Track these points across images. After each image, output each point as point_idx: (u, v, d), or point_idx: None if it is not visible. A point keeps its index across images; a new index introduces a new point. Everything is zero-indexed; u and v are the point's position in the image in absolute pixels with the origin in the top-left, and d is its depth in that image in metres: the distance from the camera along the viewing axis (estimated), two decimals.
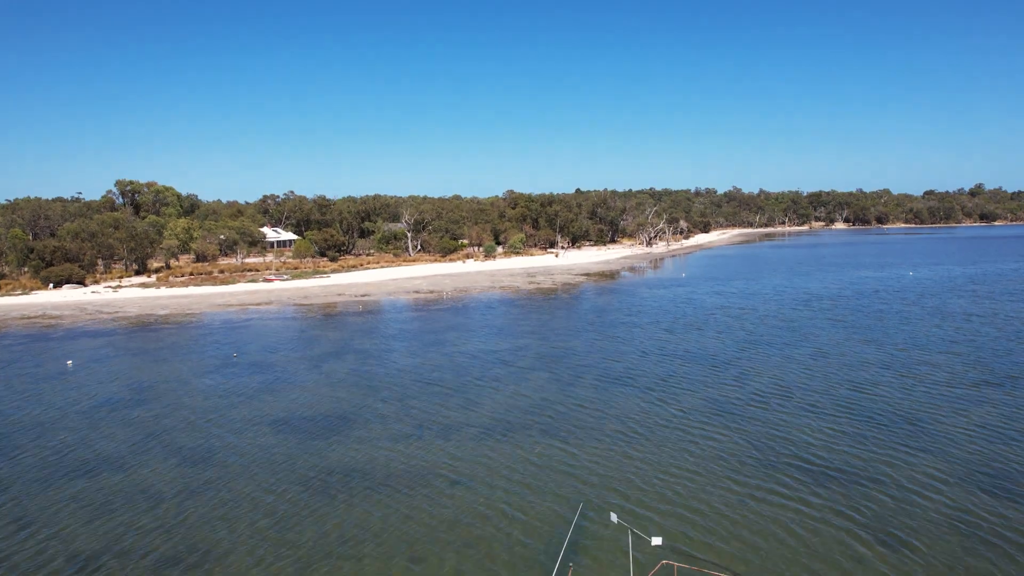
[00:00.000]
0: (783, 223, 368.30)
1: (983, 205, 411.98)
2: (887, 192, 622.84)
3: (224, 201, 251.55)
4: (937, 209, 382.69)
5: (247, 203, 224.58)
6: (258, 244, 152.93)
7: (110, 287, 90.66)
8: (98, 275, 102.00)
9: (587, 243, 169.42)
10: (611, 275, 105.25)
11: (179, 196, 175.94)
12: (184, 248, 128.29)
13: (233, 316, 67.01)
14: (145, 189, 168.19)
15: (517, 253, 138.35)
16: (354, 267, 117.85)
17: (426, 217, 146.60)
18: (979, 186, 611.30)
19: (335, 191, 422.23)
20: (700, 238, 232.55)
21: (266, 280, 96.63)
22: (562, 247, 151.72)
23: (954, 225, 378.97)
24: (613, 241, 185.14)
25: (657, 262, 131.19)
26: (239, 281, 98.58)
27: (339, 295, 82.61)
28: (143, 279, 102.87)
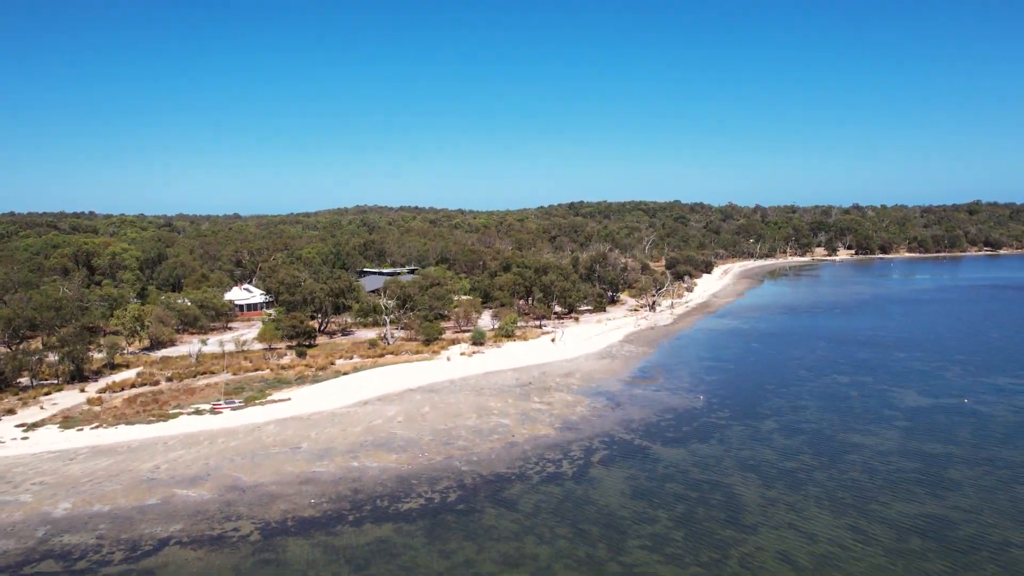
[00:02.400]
0: (784, 252, 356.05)
1: (987, 232, 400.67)
2: (885, 210, 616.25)
3: (203, 218, 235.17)
4: (941, 237, 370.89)
5: (216, 269, 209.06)
6: (223, 316, 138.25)
7: (21, 427, 75.84)
8: (18, 393, 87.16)
9: (585, 308, 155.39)
10: (615, 397, 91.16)
11: (138, 258, 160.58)
12: (135, 333, 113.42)
13: (140, 534, 52.54)
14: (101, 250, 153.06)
15: (509, 337, 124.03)
16: (322, 368, 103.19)
17: (409, 292, 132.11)
18: (977, 203, 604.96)
19: (322, 203, 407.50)
20: (704, 285, 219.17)
21: (215, 410, 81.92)
22: (557, 327, 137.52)
23: (959, 254, 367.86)
24: (613, 302, 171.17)
25: (660, 342, 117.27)
26: (186, 406, 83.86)
27: (287, 474, 68.15)
28: (74, 397, 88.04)
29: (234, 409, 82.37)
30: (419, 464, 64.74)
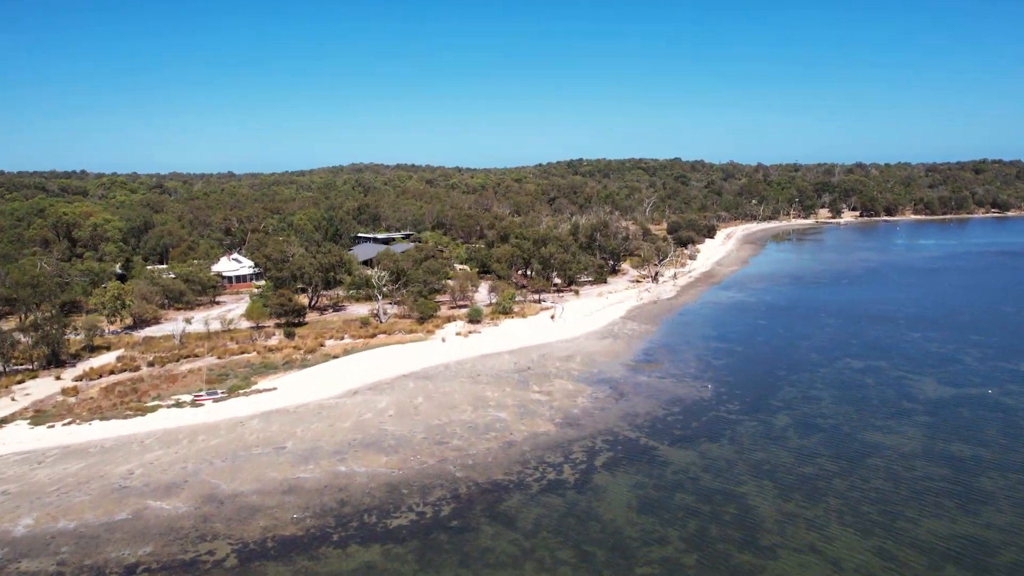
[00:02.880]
0: (787, 214, 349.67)
1: (995, 193, 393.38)
2: (889, 168, 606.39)
3: (192, 173, 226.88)
4: (948, 199, 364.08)
5: (205, 236, 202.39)
6: (211, 289, 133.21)
7: None
8: None
9: (585, 279, 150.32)
10: (618, 385, 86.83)
11: (120, 229, 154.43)
12: (116, 312, 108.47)
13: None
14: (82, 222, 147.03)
15: (507, 313, 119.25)
16: (311, 350, 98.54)
17: (403, 265, 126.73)
18: (983, 161, 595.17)
19: (318, 160, 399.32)
20: (707, 252, 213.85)
21: (196, 402, 77.50)
22: (556, 301, 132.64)
23: (965, 216, 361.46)
24: (614, 272, 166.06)
25: (664, 319, 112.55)
26: (166, 397, 79.44)
27: (269, 480, 63.99)
28: (48, 386, 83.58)
29: (216, 400, 77.97)
30: (411, 469, 60.53)
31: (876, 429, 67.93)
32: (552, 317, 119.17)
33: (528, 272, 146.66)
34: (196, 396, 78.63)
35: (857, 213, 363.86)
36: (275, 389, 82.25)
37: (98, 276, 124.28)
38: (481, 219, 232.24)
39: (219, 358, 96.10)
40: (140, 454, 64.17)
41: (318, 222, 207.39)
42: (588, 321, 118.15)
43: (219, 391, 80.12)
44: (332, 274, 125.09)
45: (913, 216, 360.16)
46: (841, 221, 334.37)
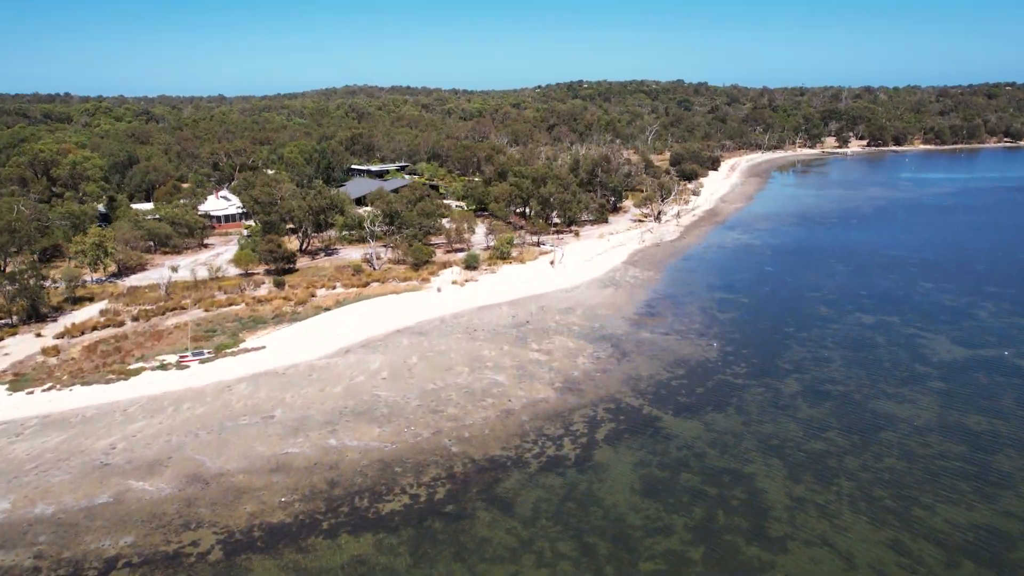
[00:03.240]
0: (793, 143, 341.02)
1: (1008, 121, 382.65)
2: (898, 92, 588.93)
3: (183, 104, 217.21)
4: (959, 128, 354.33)
5: (193, 171, 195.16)
6: (198, 232, 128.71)
7: None
8: None
9: (586, 219, 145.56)
10: (620, 342, 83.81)
11: (102, 167, 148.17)
12: (98, 261, 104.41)
13: None
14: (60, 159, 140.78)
15: (504, 259, 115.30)
16: (302, 302, 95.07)
17: (396, 207, 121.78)
18: (997, 86, 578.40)
19: (310, 82, 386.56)
20: (711, 186, 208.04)
21: (181, 363, 74.55)
22: (556, 244, 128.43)
23: (977, 146, 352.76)
24: (615, 210, 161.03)
25: (667, 264, 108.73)
26: (151, 358, 76.41)
27: (256, 456, 61.45)
28: (28, 344, 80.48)
29: (203, 362, 75.04)
30: (404, 442, 58.09)
31: (888, 397, 65.34)
32: (552, 263, 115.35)
33: (527, 211, 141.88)
34: (182, 357, 75.62)
35: (864, 142, 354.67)
36: (264, 348, 79.20)
37: (79, 219, 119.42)
38: (478, 150, 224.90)
39: (206, 311, 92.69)
40: (123, 425, 61.59)
41: (309, 155, 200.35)
42: (589, 267, 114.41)
43: (205, 351, 77.07)
44: (323, 217, 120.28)
45: (922, 146, 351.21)
46: (848, 151, 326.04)
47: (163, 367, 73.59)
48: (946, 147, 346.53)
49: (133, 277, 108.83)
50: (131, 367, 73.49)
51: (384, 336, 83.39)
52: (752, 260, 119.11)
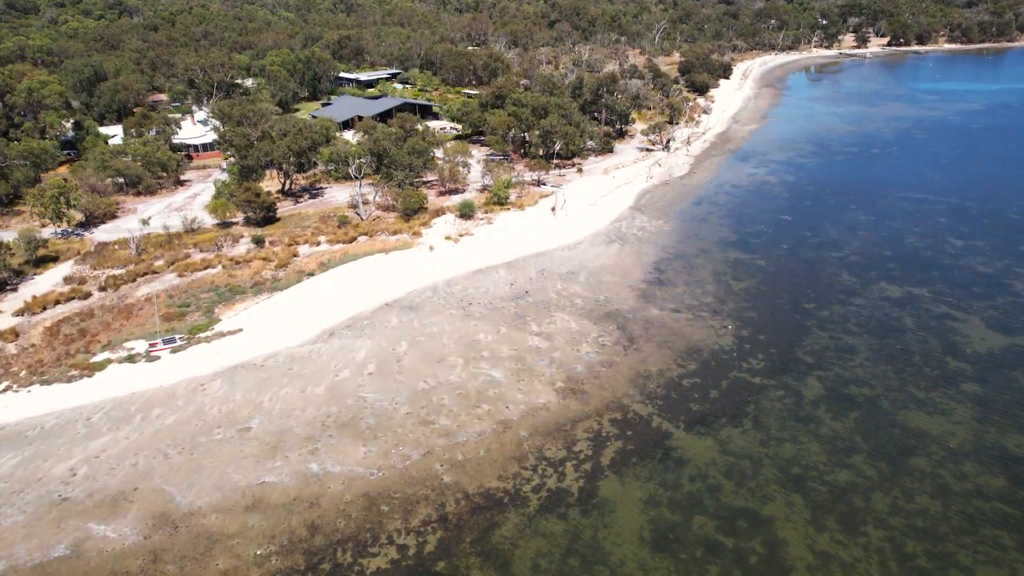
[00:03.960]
0: (808, 43, 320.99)
1: None
2: None
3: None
4: (988, 25, 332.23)
5: (168, 87, 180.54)
6: (172, 171, 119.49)
7: None
8: None
9: (590, 148, 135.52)
10: (626, 323, 77.59)
11: (63, 91, 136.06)
12: (59, 215, 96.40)
13: None
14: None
15: (502, 205, 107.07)
16: (283, 264, 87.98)
17: (384, 145, 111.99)
18: None
19: None
20: (722, 100, 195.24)
21: (151, 352, 68.67)
22: (557, 183, 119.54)
23: (1006, 45, 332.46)
24: (621, 135, 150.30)
25: (677, 210, 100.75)
26: (118, 345, 70.53)
27: (231, 488, 56.38)
28: None
29: (174, 350, 69.18)
30: (392, 467, 53.17)
31: (919, 405, 60.07)
32: (553, 209, 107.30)
33: (526, 141, 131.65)
34: (151, 345, 69.65)
35: (885, 41, 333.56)
36: (240, 331, 73.10)
37: (40, 158, 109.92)
38: (475, 58, 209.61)
39: (180, 275, 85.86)
40: (85, 440, 56.48)
41: (293, 66, 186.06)
42: (593, 214, 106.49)
43: (177, 337, 71.00)
44: (306, 157, 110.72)
45: (947, 45, 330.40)
46: (867, 53, 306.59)
47: (131, 358, 67.76)
48: (972, 47, 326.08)
49: (102, 228, 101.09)
50: (96, 359, 67.67)
51: (372, 312, 77.16)
52: (767, 205, 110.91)
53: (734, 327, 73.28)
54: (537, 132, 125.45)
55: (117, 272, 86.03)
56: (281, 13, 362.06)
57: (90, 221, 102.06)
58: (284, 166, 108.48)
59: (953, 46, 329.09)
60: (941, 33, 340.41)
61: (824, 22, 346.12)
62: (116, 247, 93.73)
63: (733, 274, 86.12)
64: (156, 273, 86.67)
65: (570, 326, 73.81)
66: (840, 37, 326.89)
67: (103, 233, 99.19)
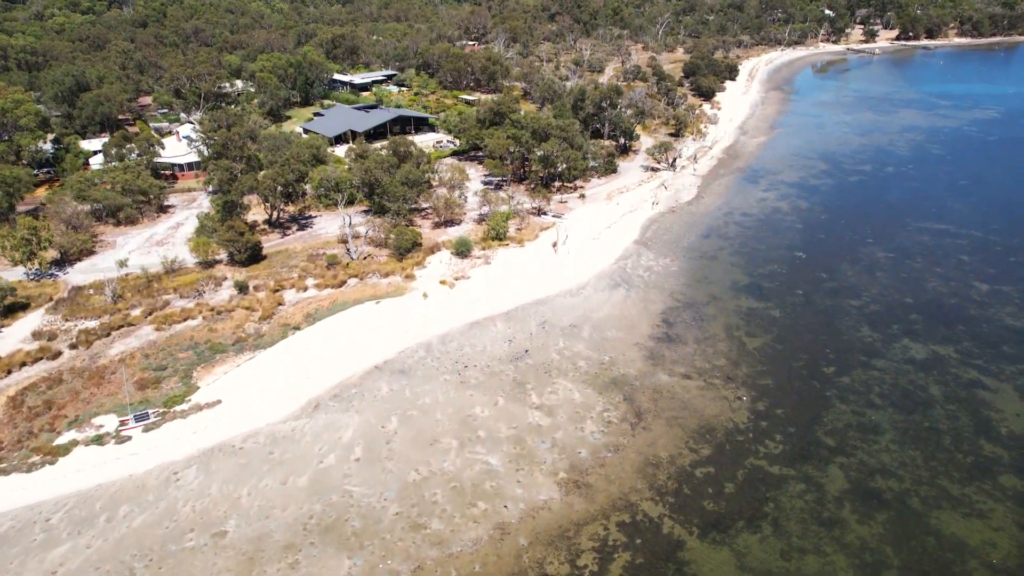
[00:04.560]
0: (815, 37, 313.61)
1: None
2: None
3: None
4: (1000, 17, 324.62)
5: (154, 93, 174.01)
6: (155, 198, 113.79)
7: None
8: None
9: (593, 172, 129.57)
10: (633, 393, 72.55)
11: (39, 111, 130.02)
12: (30, 257, 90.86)
13: None
14: None
15: (500, 240, 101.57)
16: (267, 315, 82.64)
17: (376, 175, 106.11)
18: None
19: None
20: (729, 106, 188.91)
21: (121, 430, 63.67)
22: (558, 211, 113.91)
23: (1017, 39, 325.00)
24: (626, 152, 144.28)
25: (684, 244, 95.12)
26: (86, 421, 65.49)
27: None
28: None
29: (147, 428, 64.16)
30: None
31: (953, 505, 55.17)
32: (554, 244, 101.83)
33: (526, 160, 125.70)
34: (122, 422, 64.61)
35: (894, 35, 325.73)
36: (219, 402, 67.97)
37: (13, 187, 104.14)
38: (473, 60, 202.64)
39: (158, 329, 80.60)
40: (42, 551, 51.54)
41: (284, 71, 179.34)
42: (596, 249, 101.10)
43: (150, 412, 65.92)
44: (293, 188, 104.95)
45: (957, 39, 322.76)
46: (876, 49, 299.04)
47: (99, 439, 62.71)
48: (983, 41, 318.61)
49: (78, 267, 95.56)
50: (61, 440, 62.61)
51: (360, 378, 72.03)
52: (780, 240, 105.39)
53: (749, 398, 68.27)
54: (538, 155, 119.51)
55: (90, 324, 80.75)
56: (275, 3, 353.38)
57: (65, 259, 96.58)
58: (270, 199, 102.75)
59: (963, 40, 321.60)
60: (951, 26, 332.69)
61: (831, 14, 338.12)
62: (91, 291, 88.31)
63: (746, 328, 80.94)
64: (132, 325, 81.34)
65: (573, 396, 68.78)
66: (848, 31, 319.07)
67: (78, 273, 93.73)
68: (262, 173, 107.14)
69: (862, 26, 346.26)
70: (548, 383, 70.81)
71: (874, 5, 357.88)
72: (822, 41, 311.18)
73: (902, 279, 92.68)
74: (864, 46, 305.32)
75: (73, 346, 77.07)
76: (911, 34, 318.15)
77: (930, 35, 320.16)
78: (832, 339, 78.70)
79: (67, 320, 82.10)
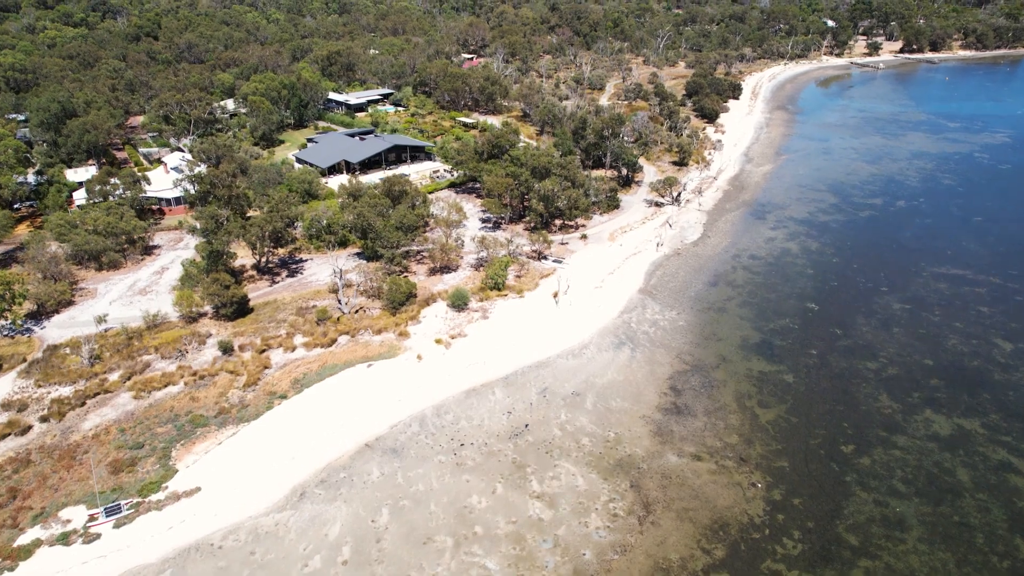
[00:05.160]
0: (818, 50, 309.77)
1: None
2: None
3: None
4: (1005, 30, 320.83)
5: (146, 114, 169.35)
6: (139, 239, 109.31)
7: None
8: None
9: (595, 208, 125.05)
10: (641, 480, 68.26)
11: (19, 145, 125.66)
12: (3, 310, 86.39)
13: None
14: None
15: (499, 290, 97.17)
16: (252, 381, 78.18)
17: (370, 220, 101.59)
18: None
19: None
20: (734, 131, 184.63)
21: (90, 527, 59.23)
22: (560, 255, 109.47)
23: (1021, 52, 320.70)
24: (628, 184, 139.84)
25: (691, 294, 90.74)
26: (52, 513, 60.95)
27: None
28: None
29: (118, 524, 59.65)
30: None
31: None
32: (555, 295, 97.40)
33: (525, 199, 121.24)
34: (91, 516, 60.11)
35: (898, 47, 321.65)
36: (199, 490, 63.48)
37: None
38: (470, 80, 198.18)
39: (136, 396, 76.05)
40: None
41: (277, 93, 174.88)
42: (599, 300, 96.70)
43: (123, 504, 61.36)
44: (282, 235, 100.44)
45: (961, 52, 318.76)
46: (879, 63, 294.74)
47: (65, 538, 58.18)
48: (987, 54, 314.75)
49: (55, 320, 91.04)
50: (24, 539, 58.07)
51: (350, 459, 67.57)
52: (790, 288, 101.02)
53: (764, 484, 63.92)
54: (537, 194, 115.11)
55: (65, 392, 76.31)
56: (272, 13, 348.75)
57: (42, 312, 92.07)
58: (258, 247, 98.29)
59: (967, 53, 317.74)
60: (955, 38, 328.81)
61: (833, 24, 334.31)
62: (68, 351, 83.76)
63: (759, 396, 76.57)
64: (109, 392, 76.80)
65: (576, 483, 64.37)
66: (851, 44, 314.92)
67: (55, 328, 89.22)
68: (250, 218, 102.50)
69: (865, 37, 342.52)
70: (549, 466, 66.42)
71: (876, 16, 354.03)
72: (825, 54, 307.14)
73: (920, 336, 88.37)
74: (868, 60, 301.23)
75: (44, 419, 72.55)
76: (915, 47, 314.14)
77: (934, 48, 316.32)
78: (849, 410, 74.35)
79: (40, 386, 77.64)
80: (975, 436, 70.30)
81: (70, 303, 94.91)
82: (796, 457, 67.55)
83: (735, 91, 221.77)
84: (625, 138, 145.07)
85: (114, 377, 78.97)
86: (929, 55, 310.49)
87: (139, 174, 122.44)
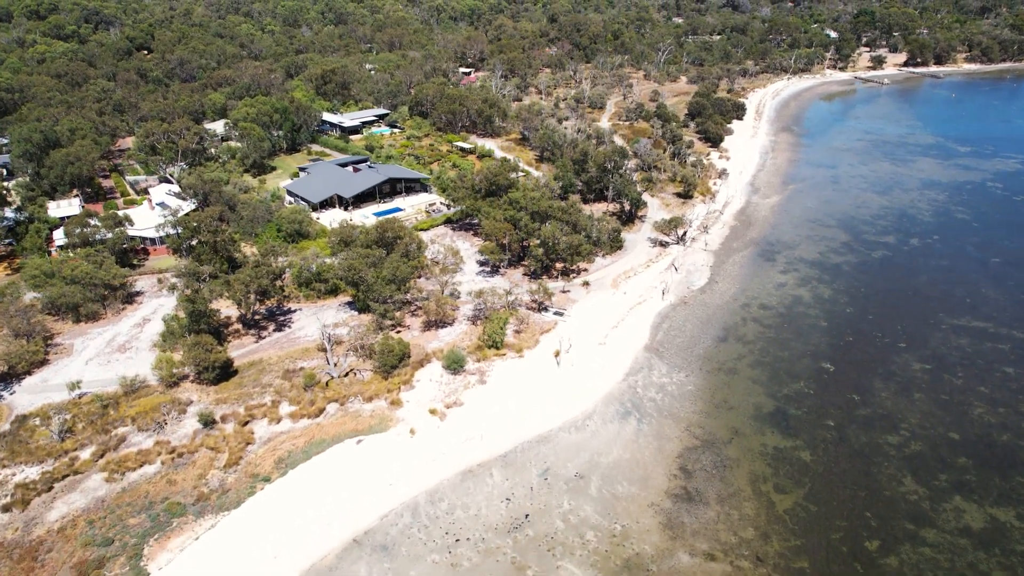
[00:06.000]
0: (822, 63, 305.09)
1: None
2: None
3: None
4: (1010, 43, 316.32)
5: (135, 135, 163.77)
6: (120, 288, 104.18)
7: None
8: None
9: (598, 249, 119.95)
10: None
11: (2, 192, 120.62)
12: None
13: None
14: None
15: (497, 348, 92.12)
16: (234, 461, 73.10)
17: (361, 274, 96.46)
18: None
19: None
20: (739, 157, 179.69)
21: None
22: (561, 309, 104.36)
23: None
24: (631, 221, 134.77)
25: (699, 351, 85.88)
26: None
27: None
28: None
29: None
30: None
31: None
32: (556, 354, 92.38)
33: (525, 242, 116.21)
34: None
35: (902, 60, 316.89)
36: None
37: None
38: (468, 102, 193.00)
39: (109, 478, 71.00)
40: None
41: (269, 117, 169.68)
42: (602, 359, 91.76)
43: None
44: (270, 287, 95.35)
45: (966, 65, 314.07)
46: (884, 78, 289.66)
47: None
48: (992, 68, 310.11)
49: (26, 384, 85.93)
50: None
51: (336, 557, 62.59)
52: (804, 345, 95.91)
53: None
54: (537, 239, 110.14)
55: (31, 474, 71.24)
56: (267, 24, 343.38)
57: (12, 374, 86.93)
58: (244, 303, 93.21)
59: (972, 67, 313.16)
60: (959, 50, 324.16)
61: (835, 36, 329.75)
62: (37, 422, 78.62)
63: (775, 479, 71.61)
64: (80, 473, 71.76)
65: None
66: (854, 57, 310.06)
67: (26, 393, 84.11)
68: (237, 265, 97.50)
69: (868, 49, 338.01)
70: (551, 568, 61.44)
71: (879, 28, 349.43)
72: (828, 68, 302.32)
73: (943, 404, 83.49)
74: (872, 74, 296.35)
75: (7, 508, 67.47)
76: (919, 60, 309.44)
77: (938, 61, 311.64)
78: (872, 496, 69.43)
79: (4, 467, 72.53)
80: (1011, 531, 65.42)
81: (44, 362, 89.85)
82: (816, 556, 62.64)
83: (739, 111, 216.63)
84: (629, 173, 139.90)
85: (86, 455, 73.96)
86: (934, 69, 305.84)
87: (121, 215, 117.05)
